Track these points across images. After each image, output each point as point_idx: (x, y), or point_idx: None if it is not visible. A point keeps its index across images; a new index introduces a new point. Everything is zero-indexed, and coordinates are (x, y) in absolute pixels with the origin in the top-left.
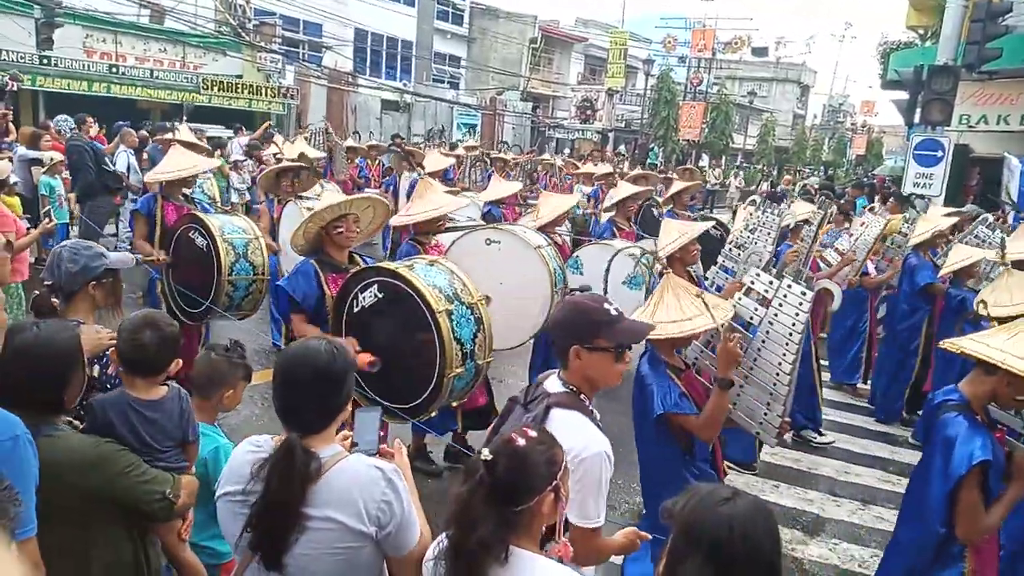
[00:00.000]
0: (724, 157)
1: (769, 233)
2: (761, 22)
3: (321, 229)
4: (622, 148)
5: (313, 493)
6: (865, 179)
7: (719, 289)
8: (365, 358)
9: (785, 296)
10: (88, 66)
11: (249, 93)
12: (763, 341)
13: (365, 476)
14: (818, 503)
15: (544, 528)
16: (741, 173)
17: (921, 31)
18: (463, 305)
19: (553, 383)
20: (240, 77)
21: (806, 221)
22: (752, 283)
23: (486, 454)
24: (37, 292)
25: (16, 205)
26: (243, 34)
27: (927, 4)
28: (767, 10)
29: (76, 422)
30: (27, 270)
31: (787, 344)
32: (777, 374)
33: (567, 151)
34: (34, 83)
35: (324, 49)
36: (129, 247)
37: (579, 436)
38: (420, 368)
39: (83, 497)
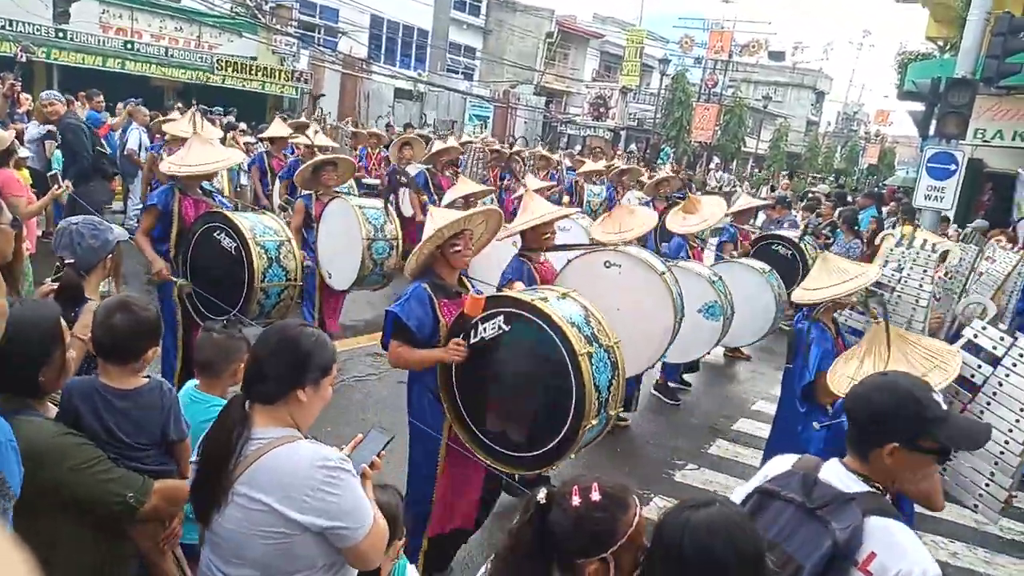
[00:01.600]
0: (736, 161)
1: (925, 271)
2: (779, 26)
3: (436, 248)
4: (633, 147)
5: (251, 473)
6: (875, 189)
7: (854, 332)
8: None
9: (1021, 355)
10: (103, 41)
11: (263, 76)
12: (987, 403)
13: (304, 463)
14: None
15: None
16: (746, 180)
17: (941, 42)
18: (601, 348)
19: (840, 476)
20: (255, 59)
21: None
22: (975, 336)
23: (541, 497)
24: (59, 268)
25: (24, 177)
26: (259, 16)
27: (948, 16)
28: (786, 14)
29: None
30: (34, 244)
31: (1021, 409)
32: (1007, 441)
33: (578, 147)
34: (49, 56)
35: (340, 34)
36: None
37: (913, 555)
38: (548, 415)
39: (35, 490)
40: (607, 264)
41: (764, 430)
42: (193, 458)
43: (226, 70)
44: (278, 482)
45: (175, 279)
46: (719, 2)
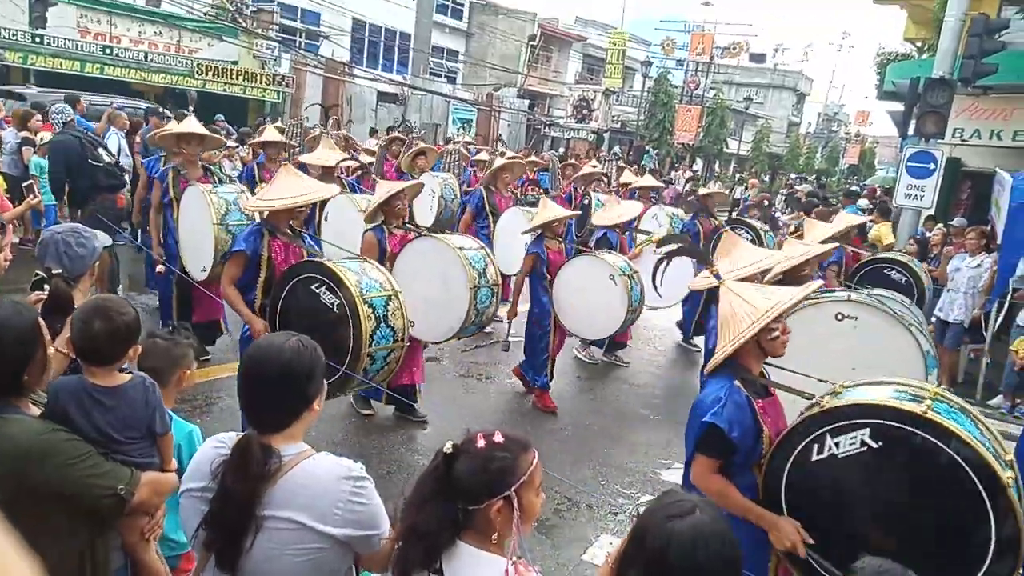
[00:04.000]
0: (719, 162)
1: None
2: (760, 28)
3: (754, 337)
4: (617, 149)
5: (273, 492)
6: (855, 188)
7: None
8: None
9: None
10: (81, 46)
11: (244, 80)
12: None
13: (330, 476)
14: None
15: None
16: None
17: (919, 44)
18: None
19: None
20: (236, 63)
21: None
22: None
23: (448, 447)
24: (40, 277)
25: None
26: (240, 20)
27: (925, 17)
28: (766, 16)
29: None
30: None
31: None
32: None
33: (562, 150)
34: (25, 61)
35: (321, 38)
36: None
37: None
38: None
39: (22, 487)
40: (839, 316)
41: None
42: (182, 488)
43: (206, 74)
44: (305, 499)
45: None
46: (700, 5)
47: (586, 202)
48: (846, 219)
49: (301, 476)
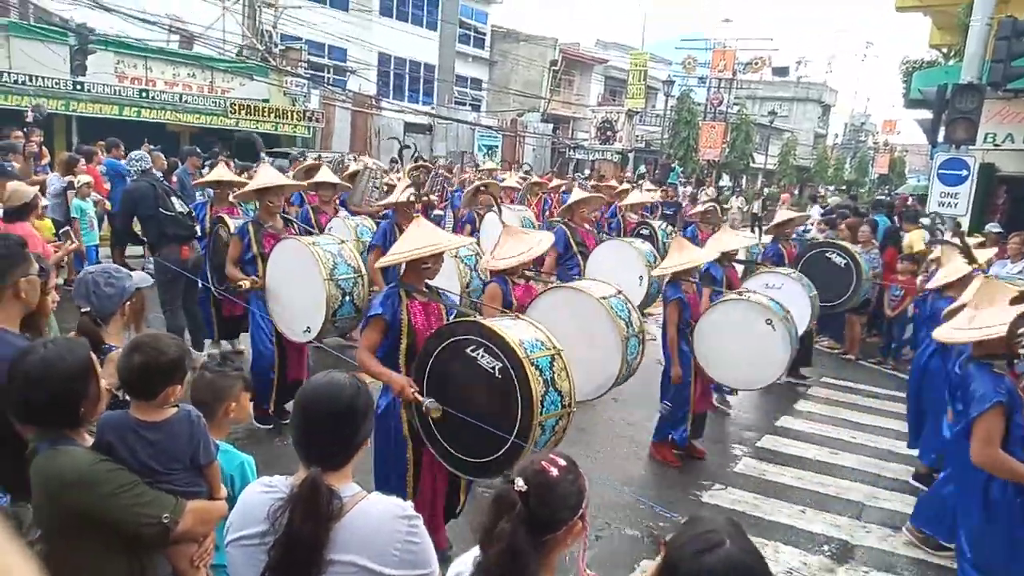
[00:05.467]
0: (745, 176)
1: None
2: (781, 42)
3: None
4: (643, 168)
5: (335, 535)
6: (883, 198)
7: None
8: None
9: None
10: (119, 91)
11: (275, 117)
12: None
13: (387, 516)
14: (847, 529)
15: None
16: (742, 194)
17: (945, 49)
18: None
19: None
20: (267, 101)
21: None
22: None
23: (520, 485)
24: (81, 318)
25: (47, 228)
26: (270, 59)
27: (950, 23)
28: (787, 29)
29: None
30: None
31: None
32: None
33: (587, 171)
34: (67, 108)
35: (348, 73)
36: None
37: None
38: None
39: (73, 513)
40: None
41: (790, 446)
42: (229, 537)
43: (239, 113)
44: (364, 540)
45: (422, 400)
46: (720, 22)
47: (646, 232)
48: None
49: (360, 517)
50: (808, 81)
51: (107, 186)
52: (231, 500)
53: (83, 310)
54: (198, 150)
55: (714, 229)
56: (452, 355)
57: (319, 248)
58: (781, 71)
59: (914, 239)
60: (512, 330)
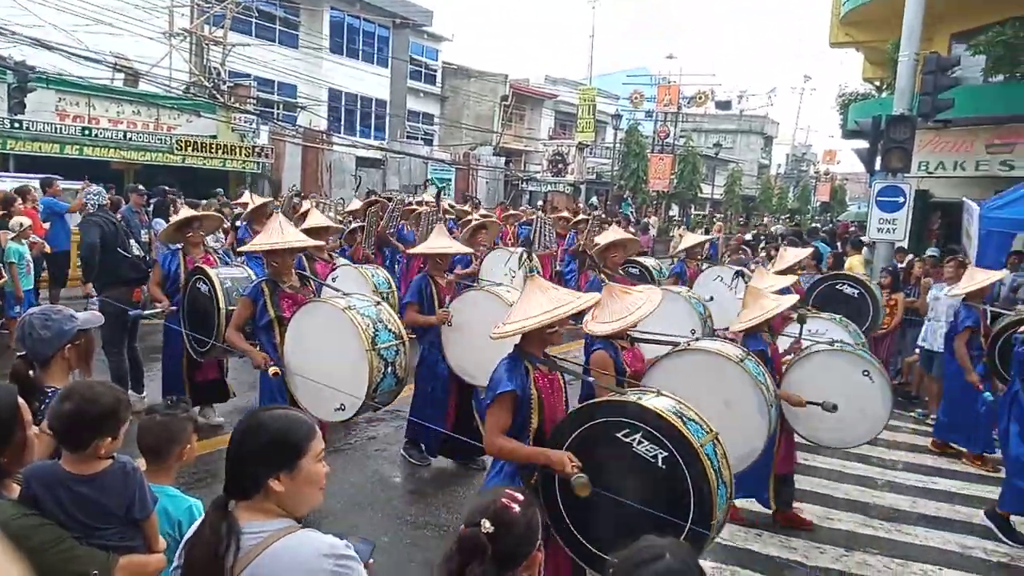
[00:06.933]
0: (693, 206)
1: None
2: (723, 77)
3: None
4: (595, 199)
5: (253, 568)
6: (818, 225)
7: None
8: None
9: None
10: (60, 129)
11: (223, 153)
12: None
13: (312, 553)
14: (801, 551)
15: None
16: (684, 223)
17: (877, 83)
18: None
19: None
20: (215, 138)
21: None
22: None
23: (487, 527)
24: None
25: None
26: (217, 96)
27: (881, 58)
28: (729, 65)
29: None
30: None
31: None
32: None
33: (540, 203)
34: (4, 146)
35: (299, 109)
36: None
37: None
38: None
39: None
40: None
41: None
42: (175, 564)
43: (186, 150)
44: (286, 575)
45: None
46: (664, 59)
47: (635, 271)
48: (690, 238)
49: (281, 552)
50: (751, 114)
51: (46, 226)
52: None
53: (18, 353)
54: (140, 187)
55: (699, 265)
56: (596, 439)
57: (356, 313)
58: (724, 104)
59: (854, 263)
60: (673, 412)
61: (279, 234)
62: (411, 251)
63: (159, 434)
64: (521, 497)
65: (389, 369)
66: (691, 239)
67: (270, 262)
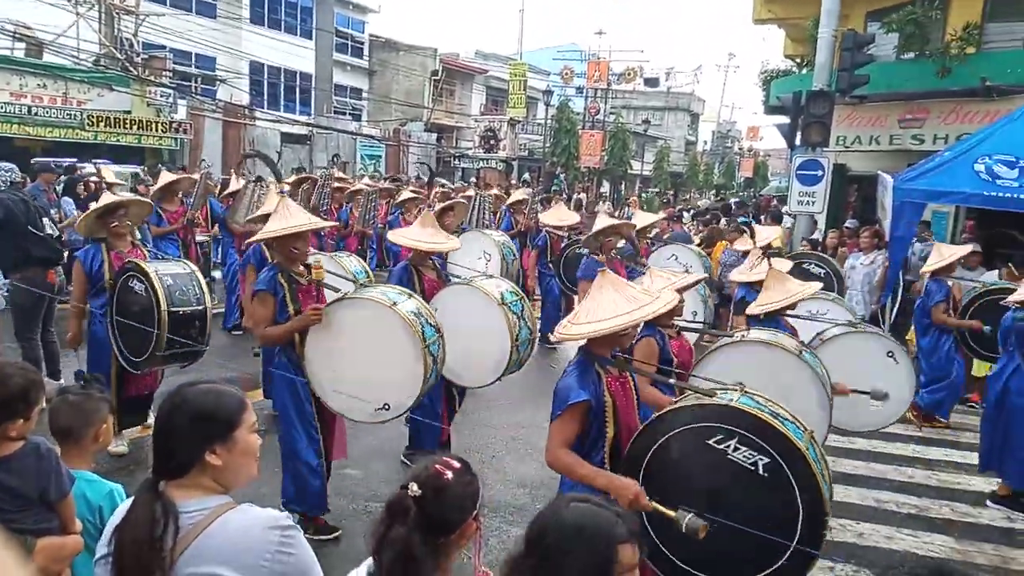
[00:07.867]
0: (624, 183)
1: None
2: (651, 54)
3: None
4: (527, 175)
5: (195, 547)
6: (741, 199)
7: None
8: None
9: None
10: None
11: (138, 129)
12: None
13: (257, 527)
14: None
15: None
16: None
17: (798, 60)
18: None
19: None
20: (129, 112)
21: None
22: None
23: (414, 489)
24: None
25: None
26: (131, 68)
27: (802, 35)
28: (656, 43)
29: None
30: None
31: None
32: None
33: (472, 180)
34: None
35: (218, 82)
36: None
37: None
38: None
39: None
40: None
41: None
42: (103, 552)
43: (98, 125)
44: (231, 551)
45: (674, 514)
46: (593, 34)
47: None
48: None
49: (224, 528)
50: (678, 91)
51: None
52: (101, 529)
53: None
54: (52, 164)
55: (649, 243)
56: (683, 446)
57: (402, 310)
58: (652, 81)
59: (771, 235)
60: (768, 412)
61: (296, 216)
62: (398, 241)
63: (72, 416)
64: (457, 464)
65: (436, 366)
66: (603, 221)
67: (288, 249)
